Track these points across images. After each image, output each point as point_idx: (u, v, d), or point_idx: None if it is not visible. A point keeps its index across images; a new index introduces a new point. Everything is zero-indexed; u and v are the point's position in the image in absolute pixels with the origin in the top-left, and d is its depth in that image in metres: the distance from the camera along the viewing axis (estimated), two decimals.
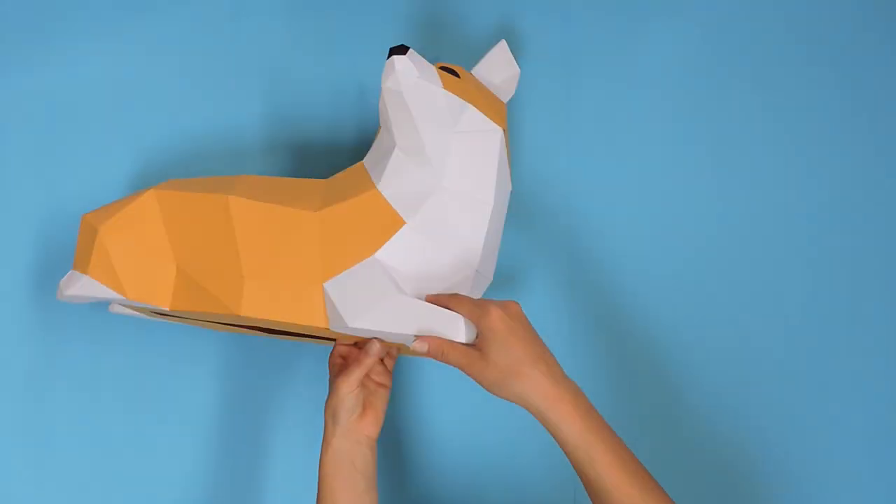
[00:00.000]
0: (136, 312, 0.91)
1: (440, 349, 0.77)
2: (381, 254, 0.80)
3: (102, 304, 0.95)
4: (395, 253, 0.81)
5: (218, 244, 0.82)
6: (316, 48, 1.02)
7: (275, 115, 1.01)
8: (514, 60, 0.91)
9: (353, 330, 0.79)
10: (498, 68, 0.90)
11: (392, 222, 0.81)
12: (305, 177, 0.98)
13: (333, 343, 0.90)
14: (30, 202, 0.99)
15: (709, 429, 1.00)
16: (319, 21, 1.02)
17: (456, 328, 0.77)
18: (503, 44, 0.91)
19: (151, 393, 0.97)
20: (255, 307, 0.81)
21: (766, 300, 1.02)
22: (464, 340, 0.76)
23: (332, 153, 1.00)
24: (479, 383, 0.75)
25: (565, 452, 0.73)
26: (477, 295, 0.85)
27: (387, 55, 0.84)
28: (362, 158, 0.89)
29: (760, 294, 1.02)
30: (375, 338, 0.82)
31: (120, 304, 0.90)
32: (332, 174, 0.90)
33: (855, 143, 1.04)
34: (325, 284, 0.80)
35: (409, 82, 0.79)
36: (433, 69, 0.82)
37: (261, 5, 1.02)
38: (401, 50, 0.79)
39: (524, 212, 1.02)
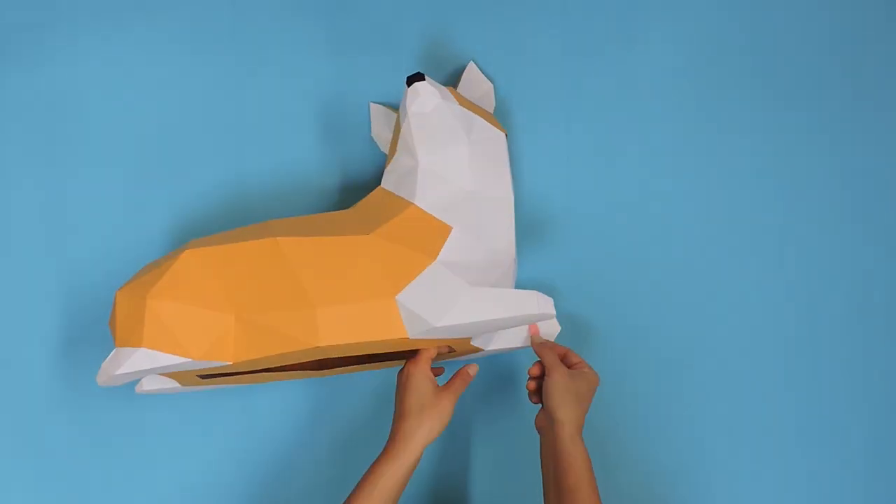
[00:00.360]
0: (166, 387, 0.92)
1: (544, 346, 0.92)
2: (441, 257, 0.86)
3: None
4: (451, 254, 0.87)
5: (278, 283, 0.84)
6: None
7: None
8: (485, 77, 1.02)
9: (436, 331, 0.83)
10: (474, 87, 1.01)
11: (441, 229, 0.88)
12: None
13: (373, 367, 0.96)
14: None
15: (708, 428, 1.01)
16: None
17: (530, 302, 0.84)
18: (472, 65, 1.01)
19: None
20: (333, 334, 0.83)
21: (766, 300, 1.02)
22: (537, 312, 0.84)
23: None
24: (550, 383, 0.88)
25: (562, 457, 0.86)
26: (511, 283, 0.92)
27: (406, 83, 0.91)
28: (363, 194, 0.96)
29: (760, 294, 1.02)
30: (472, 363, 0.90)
31: (150, 382, 0.92)
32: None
33: (854, 142, 1.04)
34: (398, 297, 0.84)
35: (433, 104, 0.89)
36: (447, 90, 0.91)
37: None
38: (418, 77, 0.89)
39: (526, 216, 1.02)
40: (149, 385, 0.92)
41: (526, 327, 0.94)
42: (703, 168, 1.03)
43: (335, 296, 0.84)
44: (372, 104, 1.00)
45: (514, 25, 1.04)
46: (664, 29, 1.05)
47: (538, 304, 0.84)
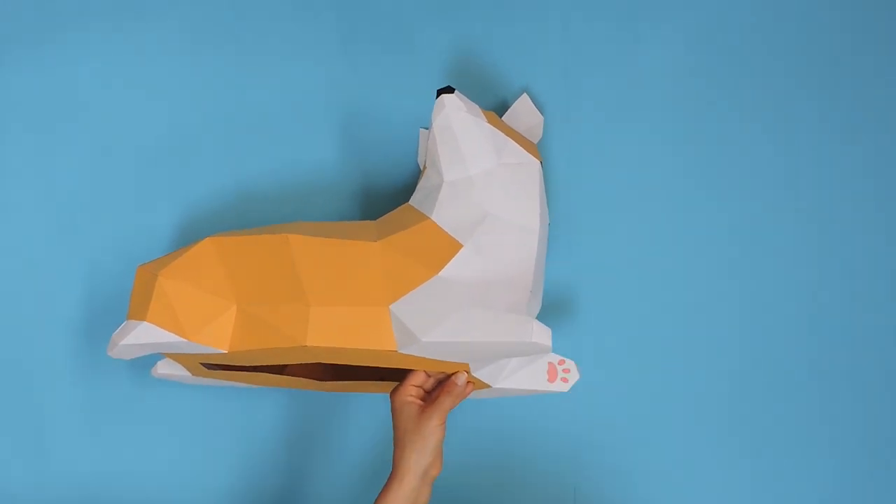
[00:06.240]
0: (181, 373, 0.94)
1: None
2: (444, 273, 0.85)
3: (146, 367, 0.99)
4: (456, 273, 0.85)
5: (280, 279, 0.85)
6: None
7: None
8: (537, 110, 0.99)
9: (423, 347, 0.82)
10: (523, 118, 0.98)
11: (451, 245, 0.86)
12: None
13: (379, 388, 0.95)
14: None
15: (710, 434, 1.01)
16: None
17: (525, 329, 0.81)
18: (525, 96, 0.99)
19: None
20: (322, 335, 0.82)
21: (767, 302, 1.01)
22: (531, 340, 0.81)
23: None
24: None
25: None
26: (525, 314, 0.86)
27: (435, 96, 0.90)
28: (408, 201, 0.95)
29: (761, 296, 1.01)
30: (461, 370, 0.87)
31: (164, 366, 0.94)
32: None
33: (854, 142, 1.02)
34: (392, 307, 0.83)
35: (458, 118, 0.87)
36: (477, 106, 0.89)
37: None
38: (447, 90, 0.87)
39: None
40: (163, 369, 0.94)
41: (545, 369, 0.92)
42: (704, 175, 1.02)
43: (330, 297, 0.84)
44: (422, 130, 1.00)
45: (513, 37, 1.03)
46: (663, 38, 1.03)
47: (534, 333, 0.81)
